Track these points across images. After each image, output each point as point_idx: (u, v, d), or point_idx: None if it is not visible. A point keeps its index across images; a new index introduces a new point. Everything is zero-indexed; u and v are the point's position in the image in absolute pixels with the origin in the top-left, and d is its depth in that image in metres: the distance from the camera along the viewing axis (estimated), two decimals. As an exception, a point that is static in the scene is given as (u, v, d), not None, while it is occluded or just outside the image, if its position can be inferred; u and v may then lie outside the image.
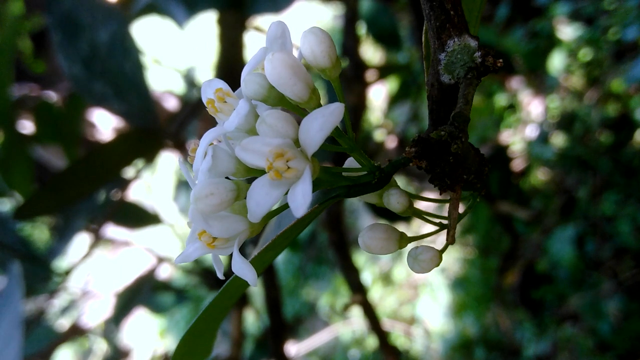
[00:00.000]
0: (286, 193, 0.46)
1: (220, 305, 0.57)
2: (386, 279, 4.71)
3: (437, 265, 0.53)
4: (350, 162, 0.56)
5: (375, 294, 4.65)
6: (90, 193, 1.69)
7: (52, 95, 2.65)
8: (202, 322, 0.58)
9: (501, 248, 3.77)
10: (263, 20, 1.90)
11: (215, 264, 0.54)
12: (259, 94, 0.49)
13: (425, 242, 0.53)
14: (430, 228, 0.57)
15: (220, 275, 0.54)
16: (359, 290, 1.31)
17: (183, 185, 3.22)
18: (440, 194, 0.53)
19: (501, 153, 3.02)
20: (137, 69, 1.49)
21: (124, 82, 1.50)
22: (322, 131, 0.45)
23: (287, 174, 0.45)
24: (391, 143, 3.22)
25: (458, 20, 0.48)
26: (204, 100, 0.53)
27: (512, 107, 4.04)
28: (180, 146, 3.04)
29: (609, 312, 3.22)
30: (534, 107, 3.97)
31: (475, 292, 4.03)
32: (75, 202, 1.71)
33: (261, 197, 0.46)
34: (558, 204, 3.72)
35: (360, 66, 1.66)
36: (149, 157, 1.63)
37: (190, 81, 3.05)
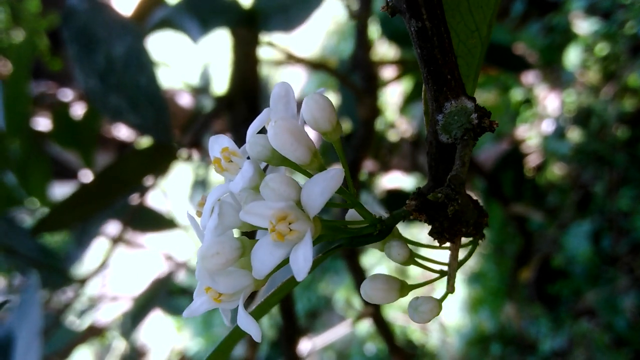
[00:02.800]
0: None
1: (225, 347, 0.59)
2: (402, 273, 4.73)
3: (438, 314, 0.55)
4: (352, 214, 0.58)
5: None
6: (105, 207, 1.72)
7: (69, 94, 2.68)
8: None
9: (516, 244, 3.77)
10: (276, 37, 1.91)
11: (223, 313, 0.56)
12: (263, 155, 0.51)
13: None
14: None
15: (227, 324, 0.56)
16: (369, 304, 1.33)
17: (199, 185, 3.25)
18: (440, 246, 0.55)
19: (515, 153, 3.01)
20: (152, 82, 1.52)
21: (139, 96, 1.52)
22: (323, 196, 0.47)
23: (289, 236, 0.47)
24: (406, 142, 3.23)
25: (455, 84, 0.50)
26: (211, 157, 0.56)
27: (528, 101, 4.02)
28: (197, 146, 3.06)
29: (625, 308, 3.22)
30: (550, 101, 3.95)
31: (491, 287, 4.04)
32: (91, 216, 1.74)
33: (265, 257, 0.48)
34: (574, 199, 3.71)
35: (371, 78, 1.67)
36: (163, 170, 1.66)
37: (206, 79, 3.07)
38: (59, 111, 2.22)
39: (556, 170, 3.88)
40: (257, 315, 0.55)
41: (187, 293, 2.67)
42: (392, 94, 4.46)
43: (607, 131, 3.53)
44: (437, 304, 0.55)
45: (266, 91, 2.66)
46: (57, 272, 1.85)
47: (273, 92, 0.55)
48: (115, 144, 4.13)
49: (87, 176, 2.37)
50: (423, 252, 0.60)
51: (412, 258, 0.57)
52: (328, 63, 4.19)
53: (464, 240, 0.57)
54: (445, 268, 0.58)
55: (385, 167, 3.06)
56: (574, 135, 3.71)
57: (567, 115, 3.76)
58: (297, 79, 5.65)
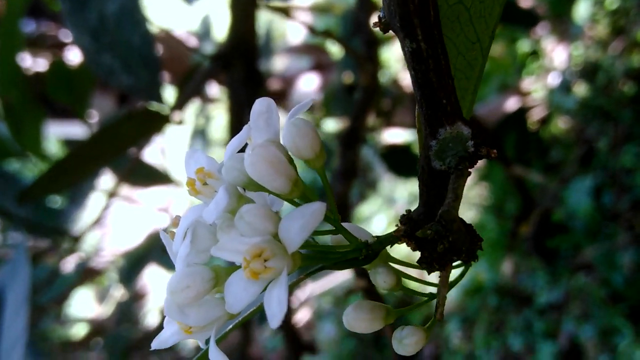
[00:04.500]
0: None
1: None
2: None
3: (423, 345, 0.52)
4: (338, 237, 0.54)
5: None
6: (95, 172, 1.68)
7: (69, 35, 2.61)
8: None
9: (516, 202, 3.75)
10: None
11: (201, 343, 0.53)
12: (240, 180, 0.47)
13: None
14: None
15: (202, 345, 0.53)
16: (362, 275, 1.31)
17: (199, 134, 3.21)
18: (429, 274, 0.52)
19: (520, 114, 2.96)
20: (147, 42, 1.46)
21: (132, 56, 1.47)
22: (303, 233, 0.43)
23: (264, 274, 0.43)
24: (409, 97, 3.17)
25: (451, 109, 0.46)
26: (186, 176, 0.52)
27: (535, 53, 3.95)
28: (199, 95, 3.01)
29: (623, 264, 3.22)
30: (557, 54, 3.88)
31: (490, 239, 4.04)
32: (81, 181, 1.71)
33: (239, 293, 0.45)
34: (577, 154, 3.68)
35: (372, 44, 1.61)
36: (155, 133, 1.62)
37: (205, 29, 3.00)
38: (55, 63, 2.16)
39: (561, 124, 3.84)
40: (222, 340, 0.52)
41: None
42: (397, 47, 4.36)
43: (613, 86, 3.47)
44: (423, 337, 0.52)
45: (267, 49, 2.59)
46: (50, 230, 1.83)
47: (253, 109, 0.51)
48: (117, 90, 4.07)
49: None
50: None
51: (399, 284, 0.54)
52: (334, 8, 4.09)
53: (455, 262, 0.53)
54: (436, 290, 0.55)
55: (387, 122, 3.01)
56: (580, 89, 3.65)
57: (574, 69, 3.69)
58: (299, 33, 5.53)
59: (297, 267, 0.46)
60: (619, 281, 3.20)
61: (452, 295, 4.20)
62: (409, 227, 0.50)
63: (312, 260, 0.51)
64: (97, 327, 4.11)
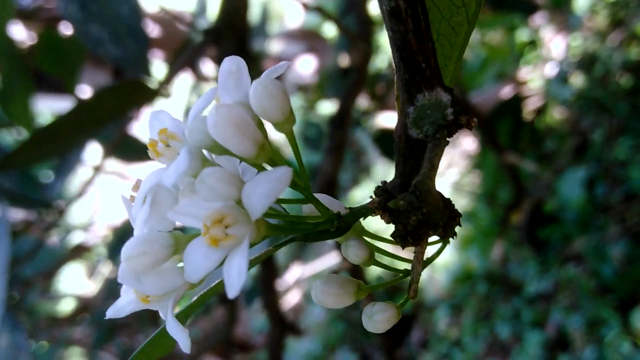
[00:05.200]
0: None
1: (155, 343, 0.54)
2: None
3: (395, 323, 0.50)
4: (309, 208, 0.52)
5: (378, 218, 4.66)
6: (80, 144, 1.65)
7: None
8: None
9: (508, 190, 3.74)
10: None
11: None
12: (204, 143, 0.44)
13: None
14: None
15: (163, 317, 0.50)
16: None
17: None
18: (403, 249, 0.49)
19: (515, 101, 2.93)
20: (135, 13, 1.43)
21: (120, 27, 1.44)
22: (267, 199, 0.40)
23: (224, 242, 0.41)
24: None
25: (430, 74, 0.43)
26: (149, 137, 0.49)
27: (533, 43, 3.92)
28: (192, 69, 2.97)
29: (613, 256, 3.22)
30: (555, 44, 3.85)
31: (482, 227, 4.03)
32: (65, 152, 1.68)
33: (198, 261, 0.42)
34: (571, 145, 3.66)
35: (366, 22, 1.57)
36: (143, 105, 1.59)
37: (202, 8, 2.96)
38: (45, 33, 2.12)
39: (556, 115, 3.82)
40: (186, 314, 0.50)
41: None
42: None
43: (610, 78, 3.45)
44: (395, 313, 0.50)
45: (262, 30, 2.55)
46: (34, 202, 1.80)
47: (222, 68, 0.48)
48: (111, 66, 4.03)
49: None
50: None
51: (372, 259, 0.52)
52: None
53: (432, 238, 0.51)
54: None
55: (381, 106, 2.98)
56: (577, 80, 3.62)
57: (572, 60, 3.66)
58: (296, 16, 5.48)
59: (261, 236, 0.43)
60: (608, 273, 3.19)
61: (441, 282, 4.19)
62: (383, 199, 0.47)
63: (281, 230, 0.48)
64: (85, 303, 4.09)
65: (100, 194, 4.36)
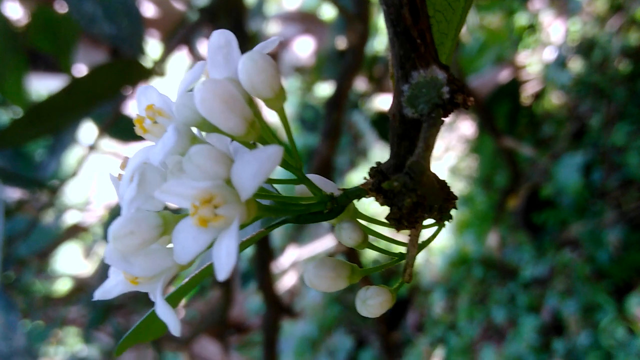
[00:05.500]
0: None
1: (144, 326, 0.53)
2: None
3: (389, 308, 0.49)
4: (302, 189, 0.50)
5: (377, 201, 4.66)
6: (73, 123, 1.63)
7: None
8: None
9: (506, 175, 3.74)
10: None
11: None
12: (192, 120, 0.43)
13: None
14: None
15: (152, 299, 0.49)
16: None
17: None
18: (397, 232, 0.48)
19: (513, 85, 2.91)
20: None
21: (114, 4, 1.42)
22: (256, 179, 0.39)
23: (214, 222, 0.39)
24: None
25: (425, 50, 0.41)
26: (136, 113, 0.47)
27: (532, 27, 3.89)
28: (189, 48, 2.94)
29: (609, 242, 3.22)
30: (554, 29, 3.82)
31: (478, 212, 4.03)
32: (58, 131, 1.66)
33: (187, 242, 0.41)
34: (569, 130, 3.65)
35: (363, 2, 1.55)
36: (137, 84, 1.56)
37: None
38: (40, 10, 2.08)
39: (554, 100, 3.80)
40: (178, 297, 0.48)
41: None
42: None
43: (609, 64, 3.43)
44: (389, 297, 0.49)
45: (260, 10, 2.53)
46: (27, 181, 1.78)
47: (210, 42, 0.46)
48: (108, 45, 3.99)
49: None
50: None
51: (366, 242, 0.50)
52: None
53: (427, 221, 0.50)
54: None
55: (379, 88, 2.96)
56: (575, 65, 3.60)
57: (570, 45, 3.64)
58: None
59: (251, 217, 0.42)
60: (604, 258, 3.20)
61: (437, 265, 4.20)
62: (377, 180, 0.46)
63: (273, 211, 0.47)
64: (81, 283, 4.09)
65: (97, 174, 4.35)
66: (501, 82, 3.55)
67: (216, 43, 0.47)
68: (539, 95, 3.84)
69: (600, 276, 3.24)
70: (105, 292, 0.48)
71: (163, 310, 0.44)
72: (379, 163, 0.47)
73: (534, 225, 3.57)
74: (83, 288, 3.89)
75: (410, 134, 0.45)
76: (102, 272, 3.17)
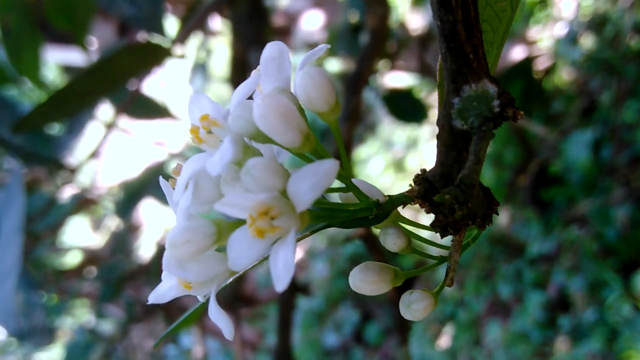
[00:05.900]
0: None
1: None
2: (399, 165, 4.71)
3: (432, 311, 0.50)
4: (347, 195, 0.51)
5: (387, 180, 4.67)
6: (93, 104, 1.64)
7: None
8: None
9: (516, 153, 3.73)
10: None
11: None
12: (248, 131, 0.44)
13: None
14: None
15: (201, 299, 0.51)
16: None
17: (199, 68, 3.14)
18: (442, 238, 0.49)
19: (527, 63, 2.89)
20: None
21: (134, -16, 1.41)
22: (313, 192, 0.40)
23: (270, 234, 0.41)
24: (415, 41, 3.11)
25: (478, 65, 0.42)
26: (190, 123, 0.48)
27: (544, 2, 3.86)
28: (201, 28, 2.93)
29: (617, 219, 3.22)
30: (565, 4, 3.78)
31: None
32: (78, 113, 1.67)
33: (242, 251, 0.42)
34: (579, 107, 3.64)
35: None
36: (156, 66, 1.56)
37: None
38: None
39: (564, 76, 3.78)
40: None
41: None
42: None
43: (620, 40, 3.40)
44: (433, 301, 0.50)
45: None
46: (46, 160, 1.80)
47: (264, 54, 0.47)
48: (118, 18, 3.97)
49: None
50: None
51: (410, 247, 0.51)
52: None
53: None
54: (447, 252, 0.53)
55: (391, 65, 2.95)
56: (587, 41, 3.58)
57: (582, 20, 3.61)
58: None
59: (304, 226, 0.43)
60: (611, 235, 3.21)
61: (444, 241, 4.21)
62: (423, 188, 0.47)
63: (320, 218, 0.48)
64: (91, 256, 4.12)
65: (106, 149, 4.36)
66: (514, 60, 3.54)
67: (269, 55, 0.47)
68: (549, 71, 3.81)
69: (607, 253, 3.25)
70: (159, 296, 0.50)
71: (217, 314, 0.46)
72: (424, 170, 0.48)
73: (542, 202, 3.57)
74: (94, 260, 3.92)
75: (458, 144, 0.46)
76: (114, 246, 3.20)
